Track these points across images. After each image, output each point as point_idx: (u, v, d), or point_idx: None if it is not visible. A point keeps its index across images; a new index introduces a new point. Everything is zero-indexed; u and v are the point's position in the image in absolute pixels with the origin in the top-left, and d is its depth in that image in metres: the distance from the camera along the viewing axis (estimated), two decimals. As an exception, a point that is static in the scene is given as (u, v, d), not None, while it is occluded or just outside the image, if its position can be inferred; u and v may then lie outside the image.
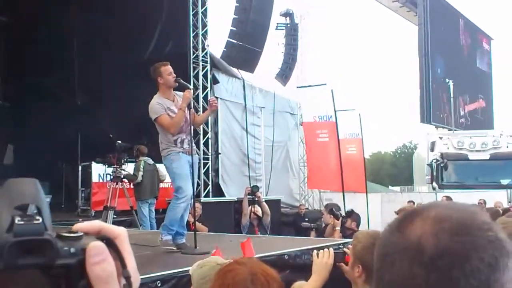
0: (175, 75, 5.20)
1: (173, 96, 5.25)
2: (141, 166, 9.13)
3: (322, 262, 2.70)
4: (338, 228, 7.65)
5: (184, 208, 5.21)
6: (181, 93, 5.26)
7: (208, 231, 8.11)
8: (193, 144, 5.51)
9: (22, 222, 0.50)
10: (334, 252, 2.74)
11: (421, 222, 0.77)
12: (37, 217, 0.51)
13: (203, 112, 11.23)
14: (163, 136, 5.21)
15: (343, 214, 8.32)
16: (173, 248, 5.01)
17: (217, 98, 12.25)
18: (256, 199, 9.40)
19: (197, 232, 5.35)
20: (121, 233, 0.58)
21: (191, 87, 5.83)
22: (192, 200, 5.41)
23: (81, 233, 0.54)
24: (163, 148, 5.24)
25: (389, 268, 0.77)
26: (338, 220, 7.69)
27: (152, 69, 5.26)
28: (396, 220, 0.82)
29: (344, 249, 2.83)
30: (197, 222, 6.67)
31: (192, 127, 5.36)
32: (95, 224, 0.57)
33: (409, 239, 0.76)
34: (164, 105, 5.12)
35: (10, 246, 0.49)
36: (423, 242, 0.74)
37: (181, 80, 5.29)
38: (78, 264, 0.52)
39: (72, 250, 0.52)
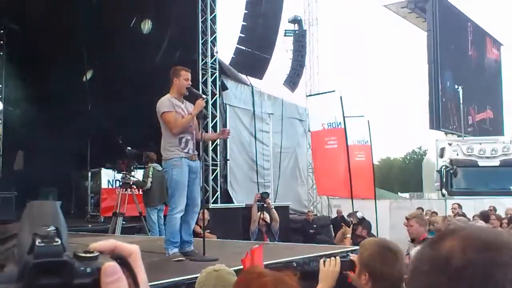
0: (190, 84, 5.28)
1: (182, 101, 5.29)
2: (150, 173, 9.18)
3: (329, 270, 2.70)
4: (349, 235, 7.64)
5: (192, 218, 5.25)
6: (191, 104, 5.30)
7: (217, 238, 8.12)
8: (195, 151, 5.34)
9: (42, 244, 0.53)
10: (341, 260, 2.74)
11: (451, 239, 0.83)
12: (56, 239, 0.55)
13: (211, 118, 11.34)
14: (166, 136, 5.15)
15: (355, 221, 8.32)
16: (182, 258, 5.00)
17: (226, 104, 12.43)
18: (265, 205, 9.39)
19: (205, 239, 5.37)
20: (133, 252, 0.62)
21: (205, 96, 5.86)
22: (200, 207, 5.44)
23: (97, 253, 0.57)
24: (165, 149, 5.15)
25: (418, 278, 0.84)
26: (349, 227, 7.68)
27: (172, 69, 5.34)
28: (430, 239, 0.90)
29: (351, 257, 2.84)
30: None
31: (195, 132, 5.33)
32: (109, 243, 0.61)
33: (438, 253, 0.82)
34: (174, 104, 5.15)
35: (31, 267, 0.52)
36: (451, 255, 0.80)
37: (193, 89, 5.36)
38: (93, 283, 0.55)
39: (88, 270, 0.55)
